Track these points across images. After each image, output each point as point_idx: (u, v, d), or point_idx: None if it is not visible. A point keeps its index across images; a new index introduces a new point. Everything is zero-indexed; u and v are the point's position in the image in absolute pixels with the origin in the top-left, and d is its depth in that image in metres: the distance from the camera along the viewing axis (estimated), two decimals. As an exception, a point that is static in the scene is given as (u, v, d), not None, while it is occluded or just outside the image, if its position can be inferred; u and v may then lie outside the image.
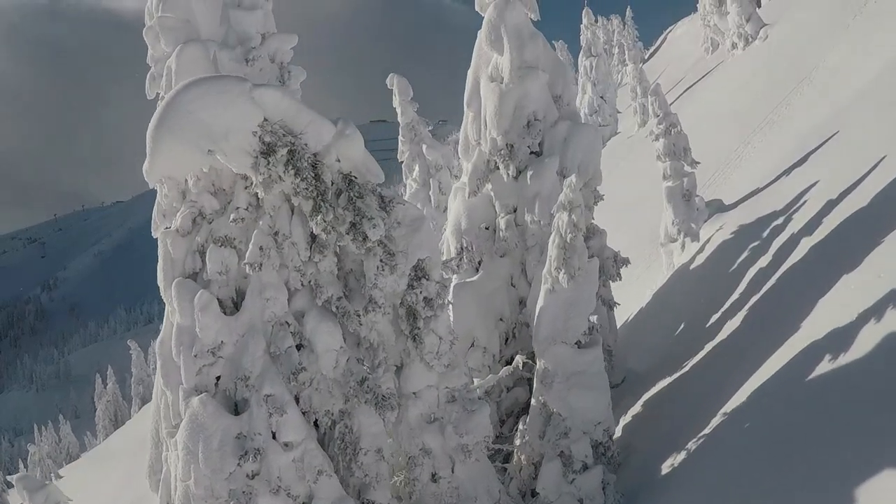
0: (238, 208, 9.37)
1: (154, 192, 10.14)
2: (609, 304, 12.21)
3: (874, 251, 9.33)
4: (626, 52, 39.53)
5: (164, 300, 9.75)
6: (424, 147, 18.87)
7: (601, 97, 38.50)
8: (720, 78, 30.31)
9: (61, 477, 58.78)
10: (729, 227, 15.54)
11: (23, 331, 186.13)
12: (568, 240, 9.67)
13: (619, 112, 39.60)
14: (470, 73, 12.36)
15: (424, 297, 9.40)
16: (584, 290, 9.96)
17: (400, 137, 19.57)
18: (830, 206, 12.35)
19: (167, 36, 9.82)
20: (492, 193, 11.93)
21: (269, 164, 8.71)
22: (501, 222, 11.66)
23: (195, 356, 9.07)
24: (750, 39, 29.30)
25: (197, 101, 8.47)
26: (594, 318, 12.46)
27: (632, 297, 18.51)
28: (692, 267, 15.72)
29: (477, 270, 12.03)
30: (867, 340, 8.01)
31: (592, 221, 11.82)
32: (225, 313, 9.23)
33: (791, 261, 11.99)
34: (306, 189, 8.84)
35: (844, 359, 8.30)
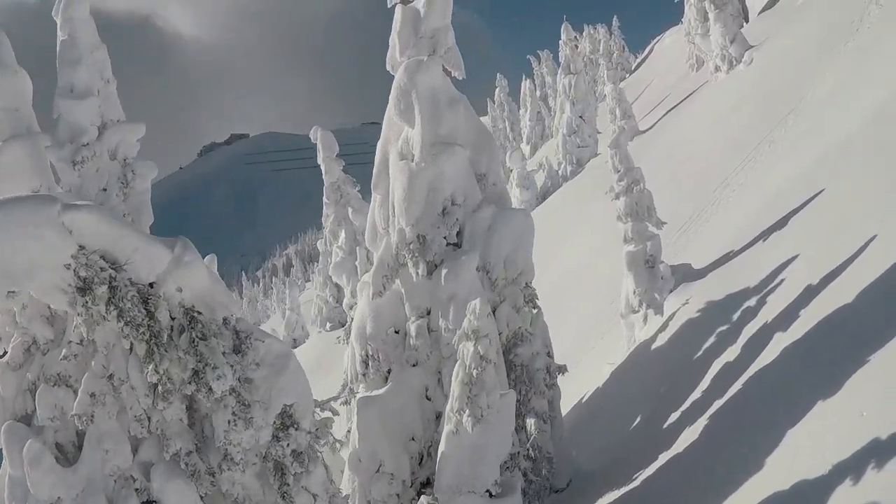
0: (70, 342, 7.92)
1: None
2: (543, 418, 10.60)
3: (857, 373, 7.98)
4: (606, 72, 37.82)
5: (-5, 445, 8.37)
6: (350, 211, 17.03)
7: (580, 117, 36.79)
8: (700, 105, 28.75)
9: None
10: (696, 303, 14.02)
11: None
12: (474, 375, 8.10)
13: (600, 133, 37.90)
14: (379, 146, 10.78)
15: (293, 451, 7.95)
16: (495, 431, 8.45)
17: (324, 199, 17.74)
18: (809, 294, 11.05)
19: (-12, 129, 8.21)
20: (402, 291, 10.32)
21: (87, 303, 7.17)
22: (412, 328, 10.10)
23: (29, 513, 7.70)
24: (734, 62, 27.67)
25: (-12, 233, 6.89)
26: (531, 423, 10.98)
27: (592, 364, 17.14)
28: (654, 347, 14.22)
29: (386, 381, 10.43)
30: (841, 507, 6.81)
31: (521, 327, 10.18)
32: (67, 459, 8.06)
33: (762, 362, 10.78)
34: (135, 332, 7.30)
35: (813, 529, 7.04)
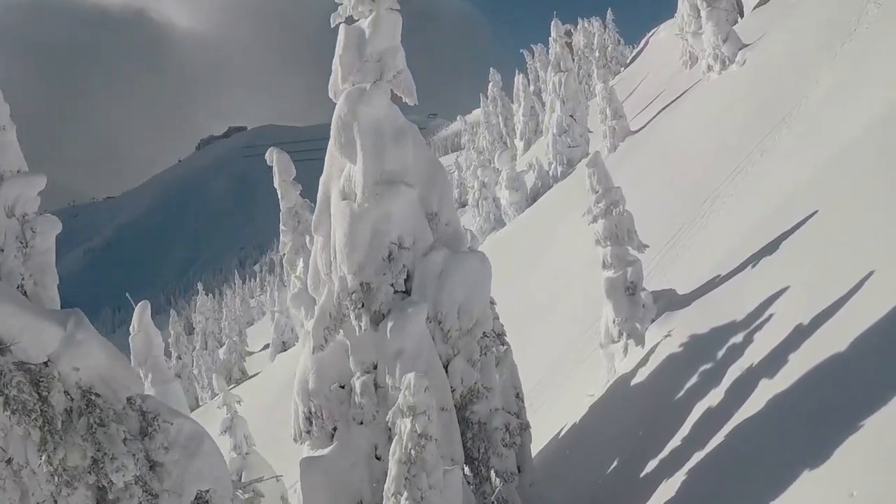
0: (-33, 421, 7.18)
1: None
2: (504, 477, 9.87)
3: (848, 442, 7.32)
4: (597, 71, 36.75)
5: None
6: (308, 239, 16.26)
7: (571, 116, 35.86)
8: (694, 104, 27.97)
9: None
10: (679, 336, 13.30)
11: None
12: (412, 455, 7.35)
13: (591, 132, 36.98)
14: (321, 183, 10.00)
15: (211, 541, 7.16)
16: (438, 511, 7.62)
17: (281, 226, 16.97)
18: (800, 336, 10.46)
19: None
20: (348, 343, 9.58)
21: (-31, 388, 6.46)
22: (357, 384, 9.39)
23: None
24: (727, 62, 26.80)
25: None
26: (493, 476, 10.30)
27: (573, 389, 16.48)
28: (633, 382, 13.53)
29: (332, 439, 9.71)
30: None
31: (477, 382, 9.42)
32: (-29, 544, 7.29)
33: (745, 413, 10.16)
34: (26, 418, 6.59)
35: None
